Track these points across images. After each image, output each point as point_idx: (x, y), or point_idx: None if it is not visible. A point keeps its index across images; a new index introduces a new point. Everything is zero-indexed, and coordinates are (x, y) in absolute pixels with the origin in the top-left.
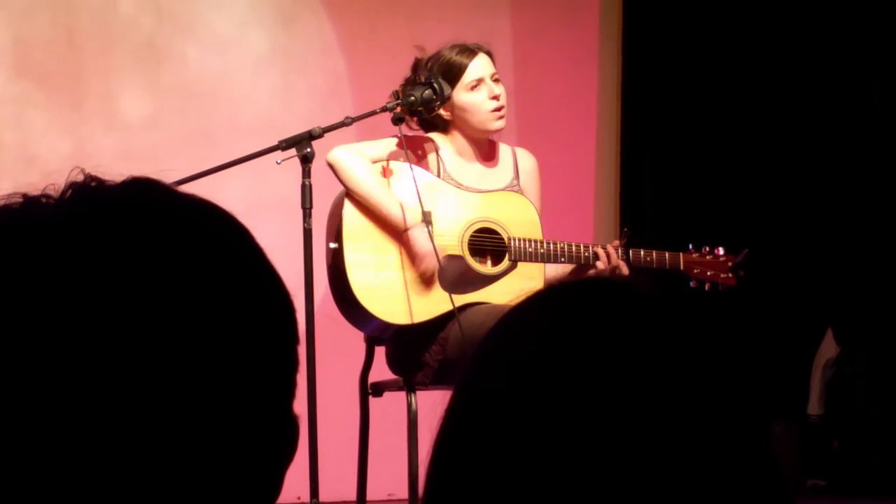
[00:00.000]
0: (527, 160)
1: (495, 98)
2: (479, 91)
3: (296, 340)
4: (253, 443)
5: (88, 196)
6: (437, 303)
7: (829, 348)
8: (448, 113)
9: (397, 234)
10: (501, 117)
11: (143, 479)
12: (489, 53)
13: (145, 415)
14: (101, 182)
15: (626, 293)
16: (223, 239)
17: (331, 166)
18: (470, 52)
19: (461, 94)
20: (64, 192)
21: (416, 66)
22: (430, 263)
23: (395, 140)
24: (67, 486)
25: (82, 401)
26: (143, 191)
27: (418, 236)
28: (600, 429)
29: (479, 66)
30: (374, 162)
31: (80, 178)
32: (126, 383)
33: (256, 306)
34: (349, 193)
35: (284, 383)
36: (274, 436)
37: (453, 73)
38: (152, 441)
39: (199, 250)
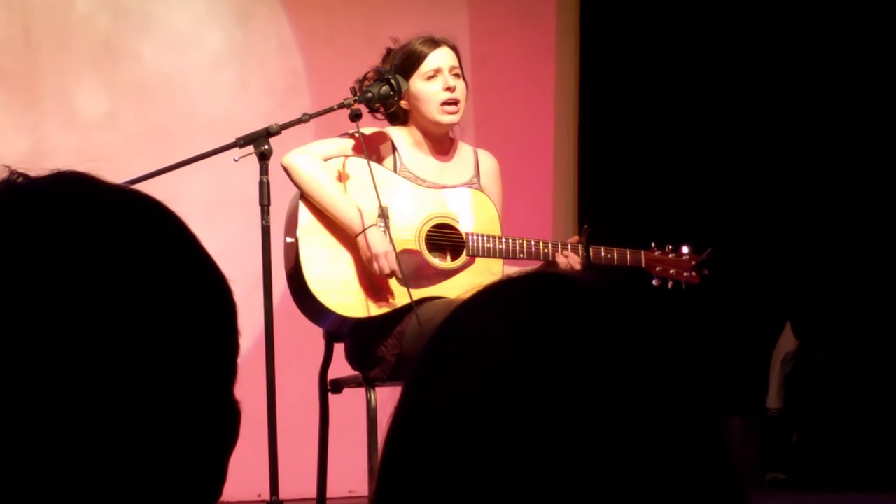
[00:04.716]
0: (489, 161)
1: (449, 89)
2: (434, 82)
3: (234, 324)
4: (193, 427)
5: (13, 192)
6: (393, 296)
7: (787, 342)
8: (406, 103)
9: (352, 234)
10: (452, 112)
11: (81, 468)
12: (454, 49)
13: (80, 405)
14: (27, 178)
15: (573, 288)
16: (151, 226)
17: (285, 170)
18: (434, 43)
19: (417, 83)
20: None
21: (386, 56)
22: (390, 262)
23: (351, 138)
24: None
25: (19, 392)
26: (68, 184)
27: (373, 238)
28: (546, 424)
29: (438, 57)
30: (327, 160)
31: (6, 174)
32: (55, 373)
33: (189, 290)
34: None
35: (224, 367)
36: (215, 420)
37: (412, 62)
38: (88, 431)
39: (125, 238)
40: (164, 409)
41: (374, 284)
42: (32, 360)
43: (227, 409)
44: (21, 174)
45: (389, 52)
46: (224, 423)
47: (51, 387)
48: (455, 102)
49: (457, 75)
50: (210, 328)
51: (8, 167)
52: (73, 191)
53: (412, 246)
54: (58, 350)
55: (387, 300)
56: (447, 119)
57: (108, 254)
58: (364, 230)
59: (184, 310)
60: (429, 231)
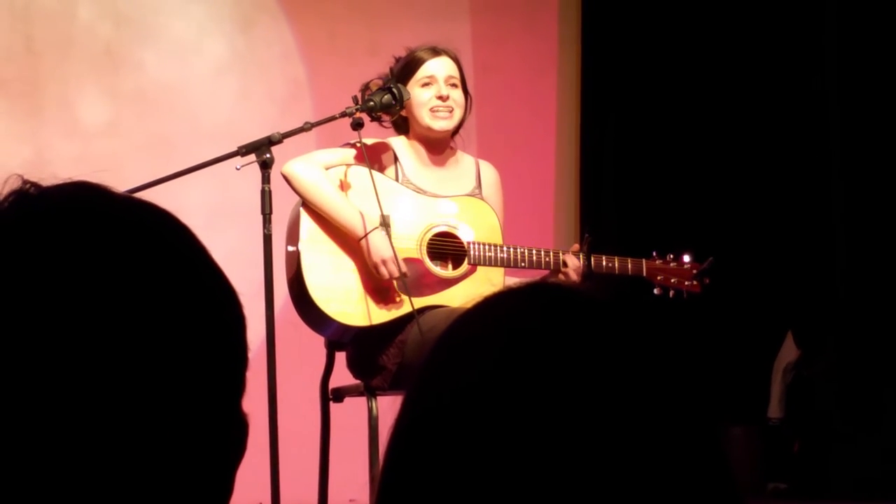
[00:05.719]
0: (490, 173)
1: (441, 98)
2: (428, 89)
3: (243, 337)
4: (201, 440)
5: (25, 202)
6: (395, 305)
7: (789, 351)
8: (405, 111)
9: (355, 238)
10: (444, 118)
11: (88, 479)
12: (456, 59)
13: (88, 415)
14: (39, 187)
15: (575, 297)
16: (163, 238)
17: (285, 178)
18: (434, 52)
19: (413, 90)
20: (4, 200)
21: (395, 64)
22: (393, 267)
23: (353, 148)
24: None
25: (24, 403)
26: (80, 194)
27: (377, 242)
28: (548, 433)
29: (435, 66)
30: (329, 169)
31: (19, 184)
32: (65, 382)
33: (198, 301)
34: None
35: (232, 380)
36: (222, 433)
37: (410, 68)
38: (95, 442)
39: (137, 249)
40: (172, 421)
41: (375, 293)
42: (43, 366)
43: (234, 423)
44: (33, 184)
45: (398, 60)
46: (231, 437)
47: (61, 397)
48: (447, 109)
49: (454, 85)
50: (219, 341)
51: (20, 176)
52: (84, 201)
53: (414, 254)
54: (68, 359)
55: (388, 309)
56: (438, 125)
57: (119, 265)
58: (367, 234)
59: (194, 322)
60: (430, 240)
